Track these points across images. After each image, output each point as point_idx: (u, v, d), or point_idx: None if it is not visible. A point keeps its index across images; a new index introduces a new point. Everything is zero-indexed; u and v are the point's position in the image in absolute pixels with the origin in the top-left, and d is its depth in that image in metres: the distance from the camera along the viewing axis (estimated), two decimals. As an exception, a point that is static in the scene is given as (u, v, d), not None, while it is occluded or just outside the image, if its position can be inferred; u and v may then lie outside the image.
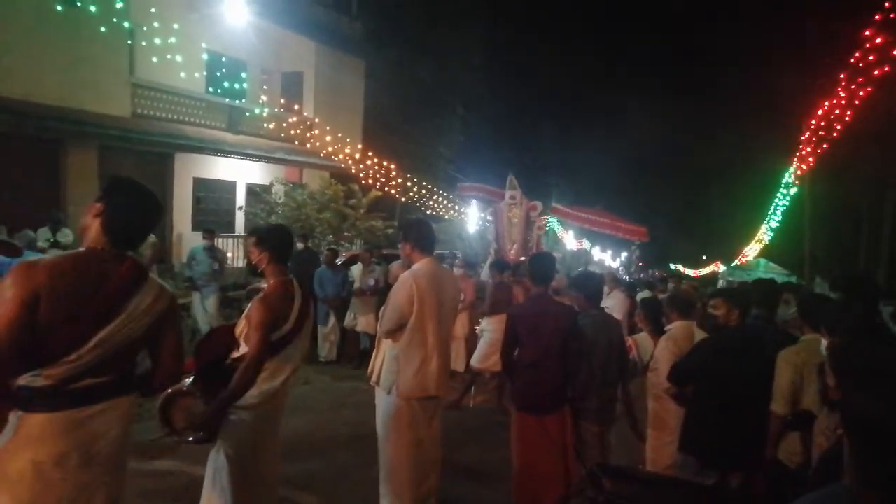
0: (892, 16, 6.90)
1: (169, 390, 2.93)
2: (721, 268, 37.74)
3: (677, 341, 4.15)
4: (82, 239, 2.32)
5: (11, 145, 11.92)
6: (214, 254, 9.85)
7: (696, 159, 46.29)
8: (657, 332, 4.67)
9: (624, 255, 45.81)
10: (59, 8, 11.07)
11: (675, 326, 4.29)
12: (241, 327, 3.25)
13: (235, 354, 3.22)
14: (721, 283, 27.29)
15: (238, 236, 16.09)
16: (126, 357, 2.29)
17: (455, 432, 5.87)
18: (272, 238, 3.39)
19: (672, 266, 42.38)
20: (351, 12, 20.87)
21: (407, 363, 3.95)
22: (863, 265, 26.43)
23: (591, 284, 4.45)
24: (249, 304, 3.27)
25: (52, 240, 9.30)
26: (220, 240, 15.26)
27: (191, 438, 3.07)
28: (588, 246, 32.01)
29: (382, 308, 4.22)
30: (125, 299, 2.21)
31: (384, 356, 4.86)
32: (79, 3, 11.32)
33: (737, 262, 30.57)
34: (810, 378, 3.15)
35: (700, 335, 4.26)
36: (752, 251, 27.07)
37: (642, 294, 9.96)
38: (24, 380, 2.07)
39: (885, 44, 7.18)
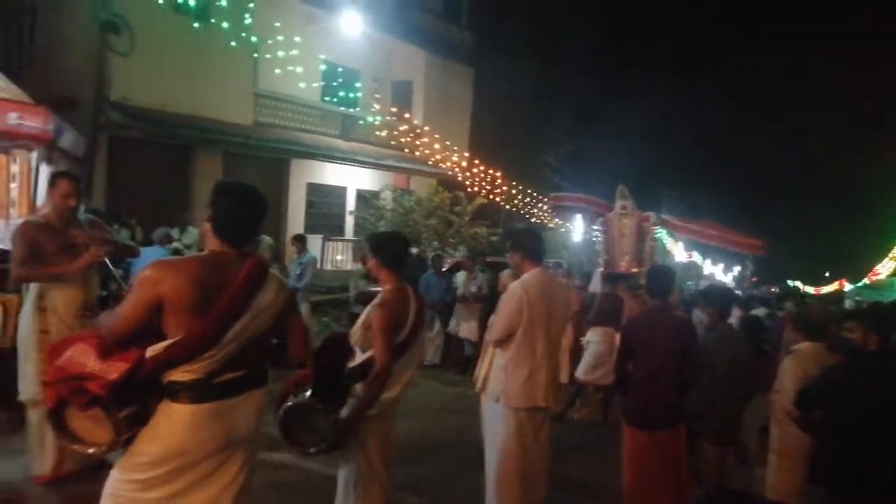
0: None
1: (290, 403, 3.05)
2: (847, 286, 35.21)
3: (804, 363, 3.90)
4: (205, 243, 2.49)
5: (147, 151, 12.92)
6: (301, 260, 9.51)
7: (818, 170, 43.52)
8: (758, 354, 4.46)
9: (737, 269, 43.69)
10: (196, 25, 11.88)
11: (802, 347, 4.03)
12: (356, 335, 3.32)
13: (352, 363, 3.28)
14: (848, 304, 25.40)
15: (348, 240, 16.65)
16: (257, 351, 2.43)
17: (560, 445, 5.75)
18: (385, 245, 3.44)
19: (790, 283, 39.95)
20: (460, 21, 21.13)
21: (515, 373, 3.92)
22: None
23: (725, 299, 4.27)
24: (366, 311, 3.31)
25: (178, 239, 9.96)
26: (331, 243, 15.90)
27: (312, 450, 3.11)
28: (699, 259, 30.75)
29: (491, 316, 4.22)
30: (250, 296, 2.33)
31: (490, 364, 4.87)
32: (213, 20, 12.10)
33: (866, 280, 28.37)
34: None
35: (828, 357, 3.99)
36: (885, 269, 25.00)
37: (756, 312, 9.46)
38: (174, 375, 2.24)
39: None
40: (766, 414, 4.57)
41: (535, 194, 20.25)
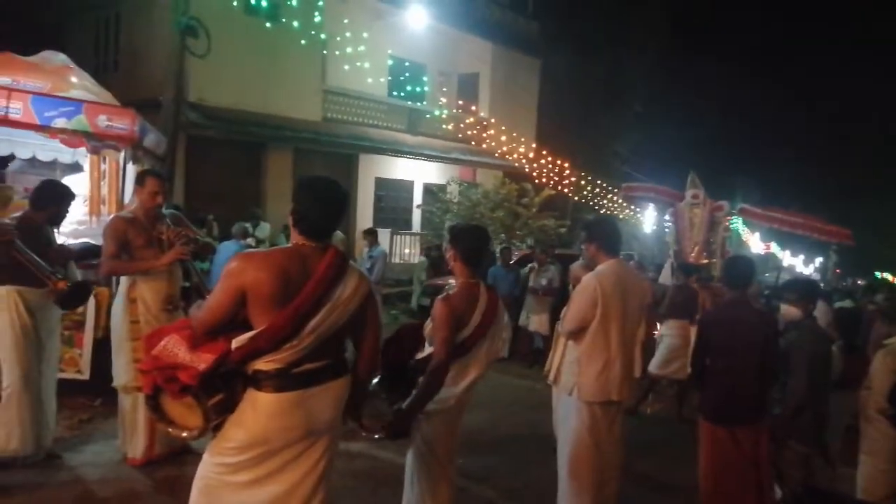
0: None
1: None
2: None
3: (896, 358, 3.70)
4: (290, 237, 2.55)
5: (222, 148, 13.39)
6: (371, 253, 9.39)
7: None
8: (848, 349, 4.25)
9: (819, 260, 41.75)
10: (268, 24, 12.21)
11: (894, 342, 3.82)
12: (428, 327, 3.34)
13: (420, 355, 3.30)
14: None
15: (415, 233, 16.80)
16: (337, 342, 2.50)
17: (633, 440, 5.66)
18: (464, 237, 3.41)
19: (878, 274, 37.85)
20: (527, 12, 20.96)
21: (588, 366, 3.86)
22: None
23: (812, 291, 4.10)
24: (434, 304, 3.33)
25: (252, 234, 10.27)
26: (399, 237, 16.08)
27: (377, 436, 3.15)
28: (777, 250, 29.54)
29: (564, 308, 4.17)
30: (330, 288, 2.38)
31: (562, 356, 4.82)
32: (284, 20, 12.40)
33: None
34: None
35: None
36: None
37: (841, 304, 9.01)
38: (258, 364, 2.33)
39: None
40: (853, 412, 4.36)
41: (604, 185, 19.91)
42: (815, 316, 4.20)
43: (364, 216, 16.35)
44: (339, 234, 12.88)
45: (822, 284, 26.09)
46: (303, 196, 2.49)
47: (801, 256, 37.18)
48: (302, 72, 14.43)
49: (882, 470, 3.73)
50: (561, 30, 21.65)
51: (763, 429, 3.88)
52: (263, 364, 2.31)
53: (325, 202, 2.49)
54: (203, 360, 2.23)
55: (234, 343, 2.28)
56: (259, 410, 2.32)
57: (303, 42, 12.57)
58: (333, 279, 2.40)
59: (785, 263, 30.60)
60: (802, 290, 4.19)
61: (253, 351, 2.29)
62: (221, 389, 2.29)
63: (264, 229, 10.83)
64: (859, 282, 24.66)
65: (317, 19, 12.84)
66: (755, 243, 27.07)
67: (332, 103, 15.62)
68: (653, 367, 7.20)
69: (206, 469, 2.39)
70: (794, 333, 4.14)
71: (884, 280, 30.56)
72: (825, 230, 13.14)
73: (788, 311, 4.19)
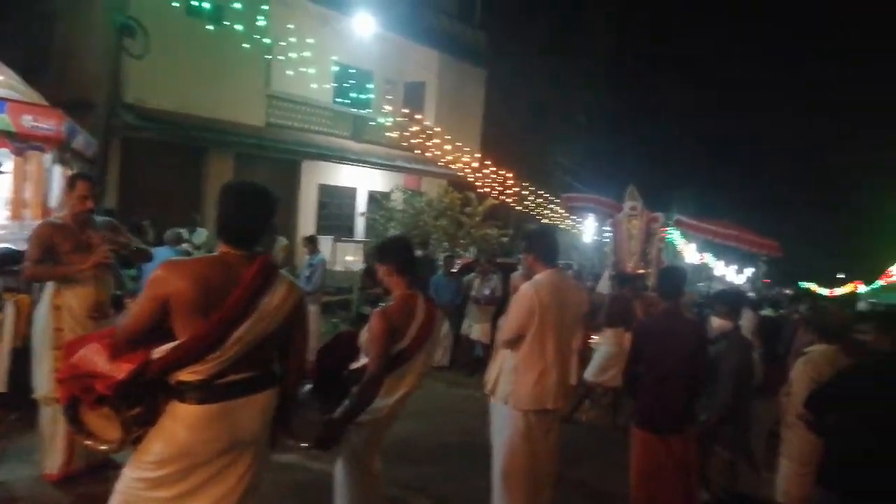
0: None
1: None
2: (862, 288, 34.85)
3: (817, 365, 3.87)
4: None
5: (160, 152, 13.02)
6: (311, 261, 9.17)
7: (833, 170, 43.27)
8: (769, 357, 4.43)
9: (750, 270, 43.31)
10: (210, 27, 11.96)
11: (816, 350, 4.00)
12: (364, 337, 3.31)
13: (355, 364, 3.27)
14: (862, 306, 25.12)
15: (358, 241, 16.70)
16: (264, 352, 2.43)
17: (568, 447, 5.74)
18: (392, 250, 3.41)
19: (803, 284, 39.57)
20: (474, 22, 21.14)
21: (525, 375, 3.89)
22: None
23: (741, 303, 4.25)
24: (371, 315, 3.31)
25: (189, 240, 10.00)
26: (341, 244, 15.94)
27: (306, 446, 3.09)
28: (712, 260, 30.53)
29: (502, 317, 4.21)
30: (257, 298, 2.32)
31: (501, 366, 4.85)
32: (227, 23, 12.18)
33: (881, 282, 28.07)
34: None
35: (842, 360, 3.95)
36: (900, 271, 24.77)
37: (765, 313, 9.38)
38: (181, 375, 2.26)
39: None
40: (775, 417, 4.54)
41: (546, 195, 20.21)
42: (740, 325, 4.35)
43: (307, 223, 16.14)
44: (282, 240, 12.68)
45: (752, 294, 27.14)
46: (226, 203, 2.42)
47: (734, 267, 38.50)
48: (245, 76, 14.18)
49: (800, 473, 3.88)
50: (507, 41, 21.94)
51: (691, 436, 4.00)
52: (186, 375, 2.24)
53: (250, 209, 2.42)
54: (121, 370, 2.15)
55: (156, 353, 2.22)
56: (181, 422, 2.25)
57: (246, 46, 12.37)
58: (260, 288, 2.34)
59: (718, 273, 31.59)
60: (731, 301, 4.34)
61: (174, 362, 2.22)
62: (142, 401, 2.22)
63: (201, 235, 10.56)
64: (786, 291, 25.71)
65: (261, 23, 12.65)
66: (691, 254, 27.87)
67: (275, 108, 15.41)
68: (588, 374, 7.33)
69: (125, 484, 2.29)
70: (723, 343, 4.28)
71: (807, 290, 31.99)
72: (755, 242, 13.67)
73: (719, 322, 4.33)
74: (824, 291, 34.98)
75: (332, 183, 17.23)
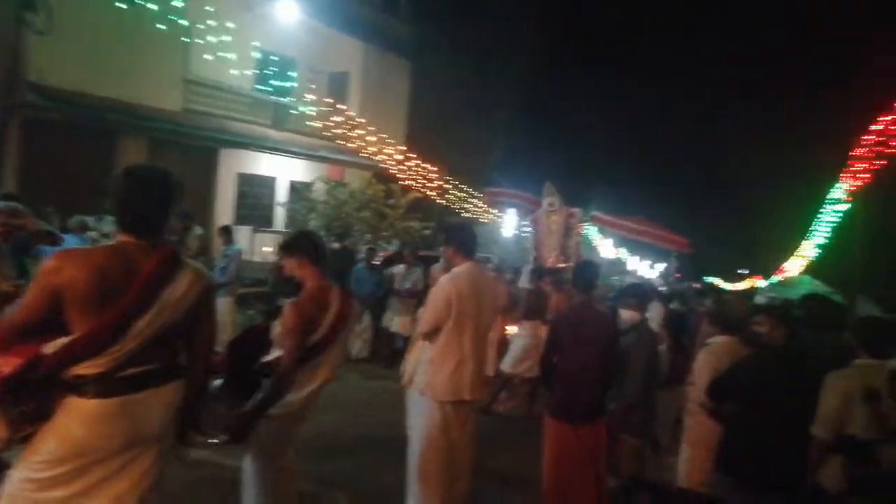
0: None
1: None
2: (761, 283, 36.94)
3: (718, 356, 4.05)
4: None
5: (67, 134, 12.30)
6: (226, 252, 8.90)
7: (737, 171, 45.61)
8: (676, 349, 4.64)
9: (663, 265, 45.09)
10: (121, 5, 11.38)
11: (717, 341, 4.19)
12: (276, 329, 3.25)
13: (267, 357, 3.21)
14: (759, 299, 26.54)
15: (277, 231, 16.34)
16: (167, 345, 2.33)
17: (485, 437, 5.82)
18: (298, 243, 3.38)
19: (708, 279, 41.54)
20: (400, 14, 21.02)
21: (441, 366, 3.94)
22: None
23: (648, 296, 4.42)
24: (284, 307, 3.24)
25: (95, 228, 9.50)
26: (260, 235, 15.57)
27: (216, 441, 3.01)
28: (626, 255, 31.57)
29: (420, 309, 4.23)
30: (159, 289, 2.22)
31: (419, 357, 4.87)
32: (141, 2, 11.63)
33: (777, 277, 29.81)
34: (857, 405, 3.07)
35: (740, 351, 4.17)
36: (792, 266, 26.37)
37: (673, 306, 9.79)
38: (77, 369, 2.14)
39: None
40: (680, 406, 4.75)
41: (469, 189, 20.37)
42: (647, 318, 4.52)
43: (224, 212, 15.67)
44: (197, 229, 12.24)
45: (664, 288, 28.25)
46: (123, 188, 2.28)
47: (648, 262, 39.98)
48: (161, 59, 13.59)
49: (700, 457, 4.07)
50: (433, 35, 21.95)
51: (601, 425, 4.14)
52: (83, 369, 2.13)
53: (149, 195, 2.30)
54: (8, 365, 2.02)
55: (49, 348, 2.09)
56: (77, 418, 2.13)
57: (162, 27, 11.85)
58: (161, 279, 2.24)
59: (632, 268, 32.70)
60: (639, 294, 4.51)
61: (69, 357, 2.10)
62: (33, 397, 2.09)
63: (109, 223, 10.05)
64: (695, 285, 26.89)
65: (178, 4, 12.15)
66: (607, 249, 28.74)
67: (193, 93, 14.86)
68: (505, 366, 7.46)
69: (14, 486, 2.15)
70: (633, 335, 4.44)
71: (712, 285, 33.65)
72: (667, 238, 14.31)
73: (628, 314, 4.49)
74: (727, 286, 36.84)
75: (252, 172, 16.80)
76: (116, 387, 2.17)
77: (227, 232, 9.11)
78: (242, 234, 14.06)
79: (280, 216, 17.33)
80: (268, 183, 17.45)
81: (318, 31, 16.48)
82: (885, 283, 22.49)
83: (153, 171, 2.40)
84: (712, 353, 4.19)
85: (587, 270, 4.53)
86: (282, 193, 17.60)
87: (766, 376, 3.51)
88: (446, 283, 3.95)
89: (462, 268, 4.04)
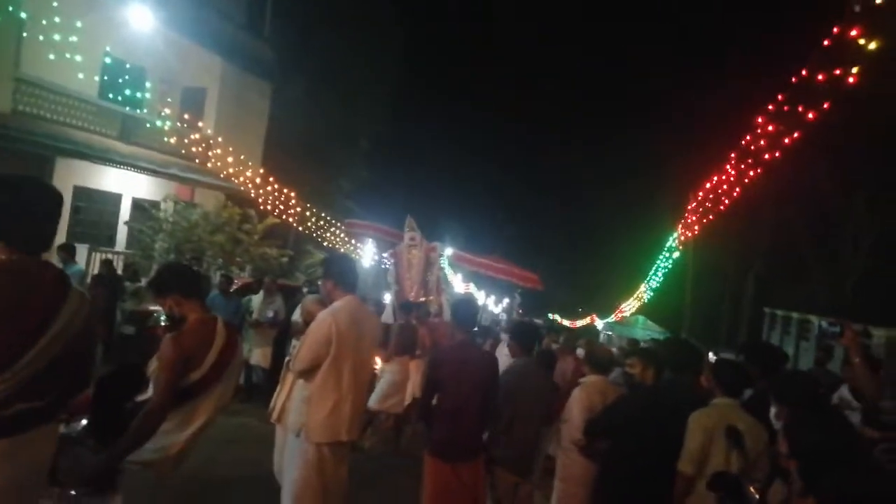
0: (784, 108, 7.69)
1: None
2: (598, 321, 39.59)
3: (590, 395, 4.26)
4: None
5: None
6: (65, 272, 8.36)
7: (582, 216, 49.01)
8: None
9: (506, 301, 46.95)
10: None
11: (590, 381, 4.41)
12: (153, 366, 2.97)
13: (141, 397, 2.92)
14: (602, 337, 28.47)
15: (119, 252, 15.09)
16: (57, 376, 2.06)
17: (353, 474, 5.66)
18: (175, 278, 3.14)
19: (550, 315, 43.92)
20: (262, 34, 20.50)
21: (319, 406, 3.78)
22: (725, 326, 28.73)
23: (528, 333, 4.52)
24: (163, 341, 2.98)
25: None
26: (99, 255, 14.28)
27: (73, 492, 2.66)
28: (475, 289, 32.56)
29: (297, 344, 4.06)
30: (55, 311, 2.00)
31: (288, 394, 4.66)
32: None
33: (614, 317, 32.12)
34: (719, 441, 3.32)
35: (610, 389, 4.40)
36: (629, 307, 28.57)
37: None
38: None
39: (776, 132, 7.99)
40: (550, 442, 4.92)
41: (327, 217, 20.09)
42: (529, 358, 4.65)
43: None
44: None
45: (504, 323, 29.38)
46: (12, 198, 2.07)
47: (493, 297, 41.50)
48: (-13, 51, 12.24)
49: (573, 493, 4.23)
50: (295, 59, 21.62)
51: (480, 462, 4.17)
52: None
53: (46, 208, 2.14)
54: None
55: None
56: None
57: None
58: (58, 301, 2.01)
59: (480, 303, 33.80)
60: (517, 330, 4.63)
61: None
62: None
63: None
64: (536, 321, 28.26)
65: (15, -7, 11.05)
66: (457, 283, 29.51)
67: (25, 94, 13.41)
68: (372, 402, 7.32)
69: None
70: (509, 371, 4.54)
71: (553, 321, 35.63)
72: (521, 276, 14.93)
73: (512, 348, 4.58)
74: (567, 322, 39.09)
75: (92, 186, 15.44)
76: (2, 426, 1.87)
77: (67, 250, 8.26)
78: (79, 254, 12.83)
79: (123, 235, 16.02)
80: (111, 199, 16.12)
81: (175, 43, 15.60)
82: (703, 325, 25.04)
83: (40, 183, 2.20)
84: (584, 390, 4.39)
85: (469, 307, 4.58)
86: (126, 211, 16.33)
87: (638, 416, 3.72)
88: (327, 318, 3.82)
89: (342, 302, 3.94)
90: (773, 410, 3.19)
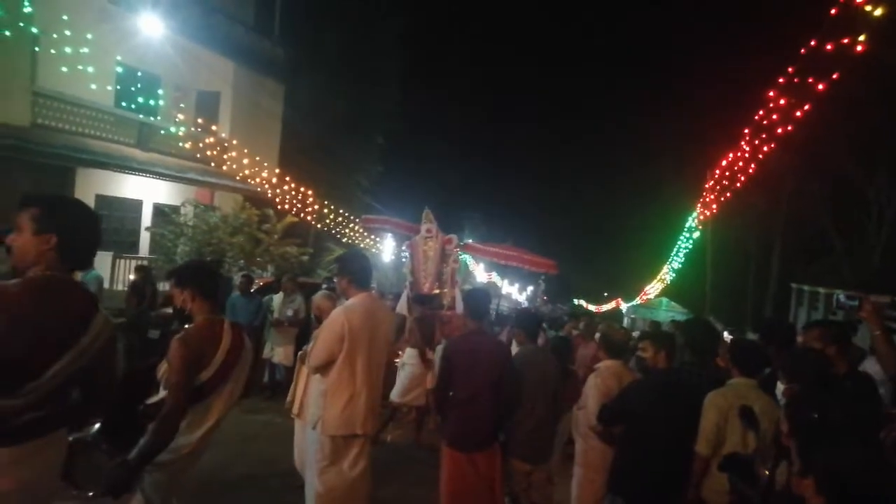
0: (795, 80, 7.57)
1: (70, 438, 2.61)
2: (623, 305, 39.38)
3: (605, 380, 4.25)
4: (21, 261, 2.13)
5: None
6: (83, 278, 8.03)
7: (602, 200, 48.70)
8: (563, 374, 4.83)
9: (530, 288, 46.91)
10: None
11: (604, 365, 4.39)
12: (163, 369, 3.03)
13: (153, 399, 2.96)
14: (626, 321, 28.28)
15: (142, 257, 15.33)
16: (69, 389, 2.14)
17: (375, 467, 5.74)
18: (192, 276, 3.19)
19: (575, 301, 43.82)
20: (273, 36, 20.58)
21: (334, 400, 3.84)
22: (751, 304, 28.36)
23: (531, 320, 4.53)
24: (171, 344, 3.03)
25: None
26: (123, 261, 14.53)
27: (91, 494, 2.71)
28: (497, 279, 32.55)
29: (312, 341, 4.12)
30: (84, 328, 2.08)
31: (305, 388, 4.72)
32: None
33: (638, 300, 31.89)
34: (734, 421, 3.30)
35: (625, 374, 4.39)
36: (653, 290, 28.31)
37: (549, 333, 10.14)
38: None
39: (788, 105, 7.87)
40: (568, 429, 4.92)
41: (346, 214, 20.19)
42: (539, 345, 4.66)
43: (80, 237, 14.45)
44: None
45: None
46: (67, 219, 2.18)
47: (517, 285, 41.47)
48: (5, 67, 12.42)
49: (591, 479, 4.23)
50: (307, 58, 21.67)
51: (496, 451, 4.19)
52: None
53: (94, 232, 2.26)
54: None
55: None
56: None
57: (7, 33, 10.86)
58: (87, 318, 2.11)
59: (504, 291, 33.79)
60: (521, 318, 4.64)
61: None
62: None
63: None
64: (562, 307, 28.17)
65: (26, 9, 11.20)
66: (480, 273, 29.53)
67: (44, 108, 13.62)
68: (394, 395, 7.39)
69: None
70: (518, 359, 4.55)
71: (579, 306, 35.48)
72: (533, 261, 14.78)
73: (517, 336, 4.60)
74: (592, 307, 38.93)
75: (113, 194, 15.69)
76: (8, 437, 1.94)
77: None
78: (103, 261, 13.08)
79: (145, 241, 16.27)
80: (132, 206, 16.36)
81: (186, 49, 15.75)
82: (728, 304, 24.78)
83: (86, 207, 2.32)
84: (599, 376, 4.38)
85: (480, 298, 4.59)
86: (147, 217, 16.57)
87: (652, 401, 3.71)
88: (339, 315, 3.87)
89: (357, 299, 3.98)
90: (779, 388, 3.16)
